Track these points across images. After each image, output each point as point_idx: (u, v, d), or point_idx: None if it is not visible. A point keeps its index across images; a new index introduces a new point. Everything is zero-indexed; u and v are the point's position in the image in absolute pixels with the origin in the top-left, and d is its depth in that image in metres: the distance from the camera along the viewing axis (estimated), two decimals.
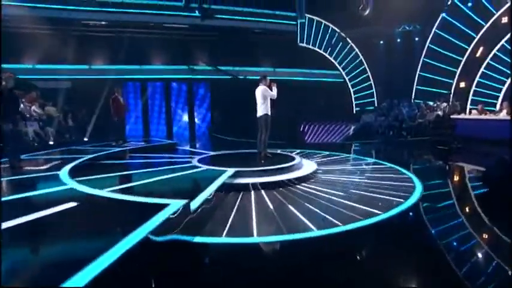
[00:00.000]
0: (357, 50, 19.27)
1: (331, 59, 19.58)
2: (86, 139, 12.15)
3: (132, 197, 4.08)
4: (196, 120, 18.09)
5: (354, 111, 19.40)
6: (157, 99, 17.58)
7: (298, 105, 17.86)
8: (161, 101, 17.57)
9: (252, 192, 5.16)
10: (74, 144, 10.46)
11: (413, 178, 6.00)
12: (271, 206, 4.49)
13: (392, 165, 7.27)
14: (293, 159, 6.97)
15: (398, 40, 17.76)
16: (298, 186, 5.60)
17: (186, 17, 16.88)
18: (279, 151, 8.39)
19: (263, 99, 7.28)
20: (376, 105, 18.57)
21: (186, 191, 5.01)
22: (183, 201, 3.58)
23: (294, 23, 18.78)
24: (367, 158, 8.81)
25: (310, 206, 4.46)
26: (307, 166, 6.83)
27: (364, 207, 4.36)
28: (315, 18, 19.02)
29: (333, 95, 18.80)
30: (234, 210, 4.30)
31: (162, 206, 3.43)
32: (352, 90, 19.69)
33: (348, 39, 19.02)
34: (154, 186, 5.00)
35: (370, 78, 19.22)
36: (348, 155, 9.26)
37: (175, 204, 3.48)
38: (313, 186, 5.56)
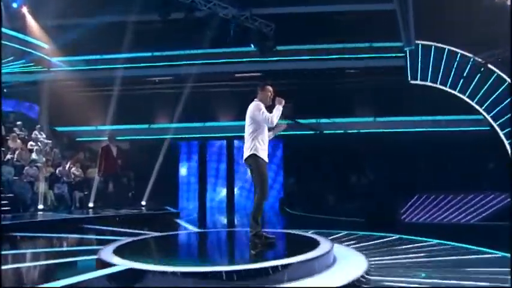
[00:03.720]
0: (509, 80, 12.45)
1: (465, 97, 13.13)
2: (90, 204, 10.22)
3: None
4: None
5: None
6: (219, 161, 14.52)
7: (410, 166, 12.11)
8: (221, 163, 14.43)
9: None
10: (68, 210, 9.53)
11: None
12: None
13: None
14: (316, 245, 3.63)
15: None
16: None
17: (256, 63, 14.08)
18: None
19: (252, 126, 4.13)
20: None
21: None
22: None
23: (401, 55, 13.72)
24: None
25: None
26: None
27: None
28: (432, 43, 13.44)
29: (472, 151, 12.21)
30: None
31: None
32: (507, 142, 12.43)
33: (490, 65, 12.54)
34: None
35: None
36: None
37: None
38: None
